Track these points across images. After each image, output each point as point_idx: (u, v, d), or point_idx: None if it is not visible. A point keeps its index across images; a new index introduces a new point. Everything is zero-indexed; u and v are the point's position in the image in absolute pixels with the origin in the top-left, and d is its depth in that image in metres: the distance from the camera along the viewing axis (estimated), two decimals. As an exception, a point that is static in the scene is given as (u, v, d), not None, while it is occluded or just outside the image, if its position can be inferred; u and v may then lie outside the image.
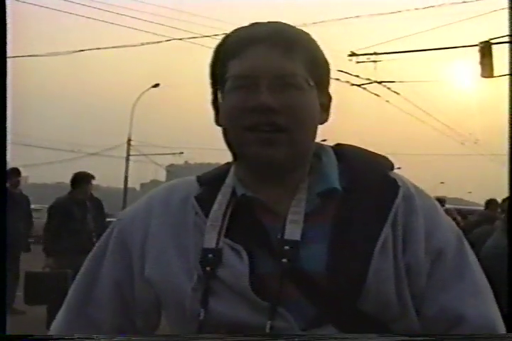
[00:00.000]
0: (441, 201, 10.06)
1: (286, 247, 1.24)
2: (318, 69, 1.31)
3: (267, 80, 1.25)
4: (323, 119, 1.34)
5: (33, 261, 8.42)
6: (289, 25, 1.33)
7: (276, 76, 1.25)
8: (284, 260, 1.23)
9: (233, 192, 1.33)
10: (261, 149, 1.25)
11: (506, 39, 13.76)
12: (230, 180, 1.35)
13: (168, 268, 1.29)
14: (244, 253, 1.25)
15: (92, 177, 7.97)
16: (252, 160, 1.28)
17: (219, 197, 1.32)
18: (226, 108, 1.29)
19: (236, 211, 1.31)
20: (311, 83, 1.28)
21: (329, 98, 1.36)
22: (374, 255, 1.23)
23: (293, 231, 1.26)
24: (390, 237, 1.26)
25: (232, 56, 1.28)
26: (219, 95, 1.32)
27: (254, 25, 1.33)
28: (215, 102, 1.35)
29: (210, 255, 1.26)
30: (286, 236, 1.25)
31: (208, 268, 1.25)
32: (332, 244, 1.25)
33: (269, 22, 1.33)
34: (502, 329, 1.30)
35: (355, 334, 1.23)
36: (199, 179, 1.39)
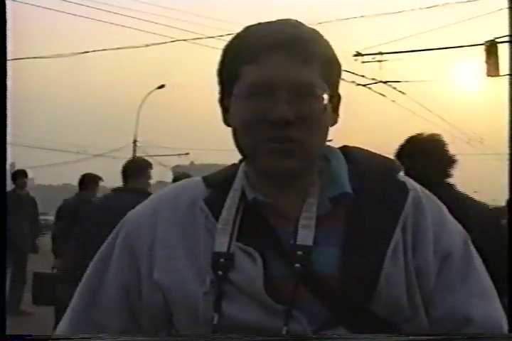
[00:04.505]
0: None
1: (299, 252, 1.24)
2: (332, 73, 1.31)
3: (285, 91, 1.23)
4: (334, 121, 1.33)
5: (40, 262, 8.44)
6: (303, 26, 1.31)
7: (294, 86, 1.24)
8: (297, 265, 1.23)
9: (242, 196, 1.32)
10: (276, 160, 1.25)
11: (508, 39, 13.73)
12: (238, 182, 1.34)
13: (179, 273, 1.29)
14: (257, 257, 1.25)
15: (100, 178, 8.00)
16: (267, 170, 1.28)
17: (228, 200, 1.32)
18: (240, 115, 1.28)
19: (247, 215, 1.30)
20: (327, 91, 1.27)
21: (339, 99, 1.35)
22: (385, 258, 1.24)
23: (305, 236, 1.26)
24: (401, 241, 1.27)
25: (247, 61, 1.26)
26: (229, 97, 1.30)
27: (268, 26, 1.30)
28: (222, 102, 1.34)
29: (222, 259, 1.25)
30: (299, 242, 1.25)
31: (220, 273, 1.24)
32: (344, 247, 1.25)
33: (282, 21, 1.31)
34: (506, 329, 1.32)
35: (362, 334, 1.24)
36: (206, 181, 1.38)
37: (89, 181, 7.85)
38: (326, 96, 1.27)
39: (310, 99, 1.25)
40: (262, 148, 1.25)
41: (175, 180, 5.77)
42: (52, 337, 1.39)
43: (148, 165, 5.42)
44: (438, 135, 3.45)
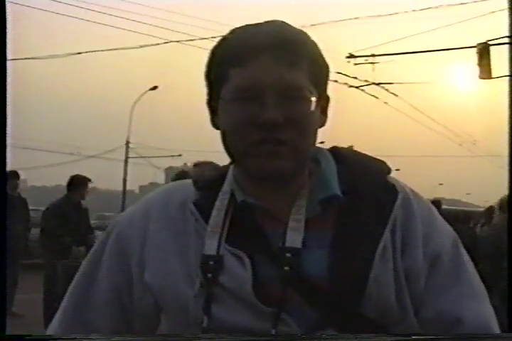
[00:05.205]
0: (437, 203, 10.00)
1: (288, 255, 1.24)
2: (320, 74, 1.30)
3: (273, 93, 1.23)
4: (322, 123, 1.33)
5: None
6: (290, 27, 1.30)
7: (281, 89, 1.23)
8: (286, 267, 1.23)
9: (232, 198, 1.32)
10: (264, 162, 1.24)
11: (504, 40, 13.78)
12: (228, 185, 1.34)
13: (169, 275, 1.28)
14: (246, 259, 1.25)
15: (89, 180, 7.99)
16: (255, 172, 1.27)
17: (218, 202, 1.32)
18: (228, 118, 1.27)
19: (236, 217, 1.30)
20: (315, 93, 1.27)
21: (327, 100, 1.35)
22: (374, 260, 1.24)
23: (294, 238, 1.25)
24: (390, 242, 1.27)
25: (234, 63, 1.25)
26: (217, 99, 1.30)
27: (254, 28, 1.29)
28: (210, 104, 1.34)
29: (211, 262, 1.25)
30: (288, 244, 1.25)
31: (209, 275, 1.24)
32: (333, 249, 1.26)
33: (269, 23, 1.30)
34: (497, 330, 1.33)
35: (352, 335, 1.24)
36: (196, 183, 1.38)
37: (77, 183, 7.85)
38: (314, 98, 1.26)
39: (298, 101, 1.25)
40: (251, 150, 1.24)
41: (177, 178, 6.17)
42: (52, 337, 1.39)
43: None
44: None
